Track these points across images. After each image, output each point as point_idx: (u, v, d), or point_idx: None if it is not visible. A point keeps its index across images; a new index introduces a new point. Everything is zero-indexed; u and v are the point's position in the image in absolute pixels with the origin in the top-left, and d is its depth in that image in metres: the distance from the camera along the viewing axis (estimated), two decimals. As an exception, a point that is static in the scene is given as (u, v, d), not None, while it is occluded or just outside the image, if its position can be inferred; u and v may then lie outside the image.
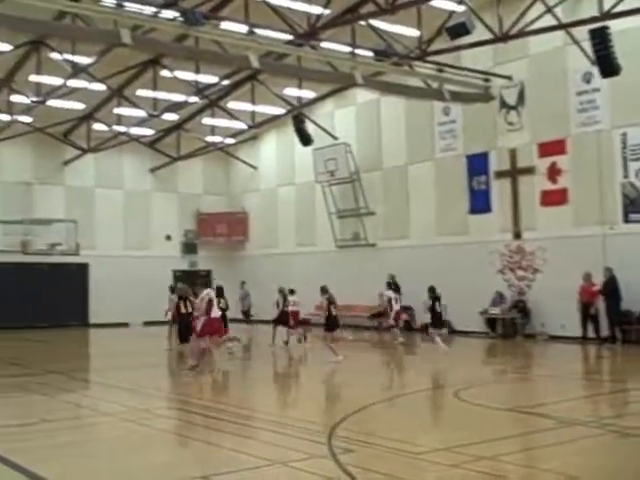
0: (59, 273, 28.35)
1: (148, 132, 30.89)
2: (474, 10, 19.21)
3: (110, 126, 29.19)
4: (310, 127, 27.83)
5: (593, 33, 17.81)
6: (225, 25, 19.13)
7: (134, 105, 26.94)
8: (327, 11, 19.06)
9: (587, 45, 18.91)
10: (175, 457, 8.52)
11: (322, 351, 18.22)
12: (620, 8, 17.28)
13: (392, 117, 27.34)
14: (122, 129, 29.28)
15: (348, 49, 20.46)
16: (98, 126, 29.95)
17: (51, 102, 25.27)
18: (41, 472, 7.54)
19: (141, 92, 26.77)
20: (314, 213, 30.73)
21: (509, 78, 23.21)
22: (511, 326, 23.37)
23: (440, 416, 11.30)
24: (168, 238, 33.98)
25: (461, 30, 18.45)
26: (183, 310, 16.33)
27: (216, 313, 15.76)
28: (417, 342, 23.17)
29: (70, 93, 25.11)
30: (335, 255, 29.40)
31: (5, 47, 22.48)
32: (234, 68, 23.16)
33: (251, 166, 34.19)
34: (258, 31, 18.65)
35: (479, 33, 19.18)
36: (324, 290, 18.74)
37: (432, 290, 19.60)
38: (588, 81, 21.28)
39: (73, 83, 23.93)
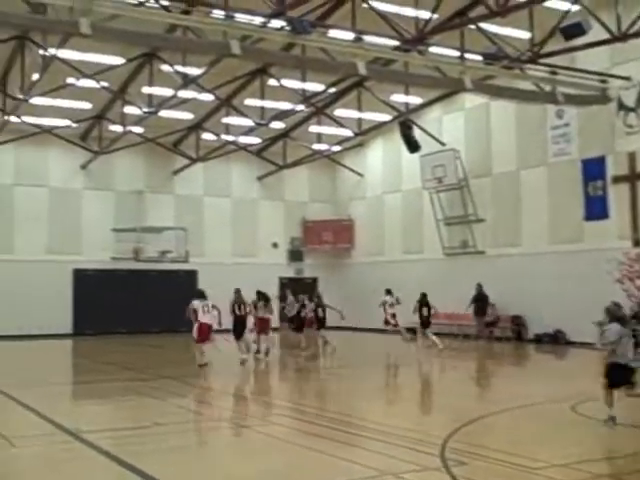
0: (168, 280, 28.98)
1: (255, 141, 31.21)
2: (590, 9, 18.41)
3: (218, 135, 29.65)
4: (417, 133, 27.44)
5: None
6: (332, 33, 19.03)
7: (242, 114, 27.25)
8: (435, 15, 18.67)
9: None
10: (287, 464, 8.43)
11: (422, 360, 17.81)
12: None
13: (502, 121, 26.64)
14: (230, 138, 29.69)
15: (457, 53, 19.98)
16: (207, 135, 30.48)
17: (162, 113, 25.84)
18: (156, 475, 7.63)
19: (249, 101, 27.06)
20: (421, 220, 30.28)
21: (628, 79, 22.15)
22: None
23: (556, 430, 10.73)
24: (275, 246, 34.23)
25: (576, 30, 17.76)
26: (237, 312, 19.62)
27: (204, 319, 17.42)
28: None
29: (180, 104, 25.60)
30: (443, 263, 28.87)
31: (119, 60, 23.16)
32: (341, 75, 23.04)
33: (357, 173, 34.04)
34: (365, 38, 18.43)
35: (594, 33, 18.37)
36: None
37: (424, 296, 21.92)
38: None
39: (183, 94, 24.38)
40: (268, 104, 26.51)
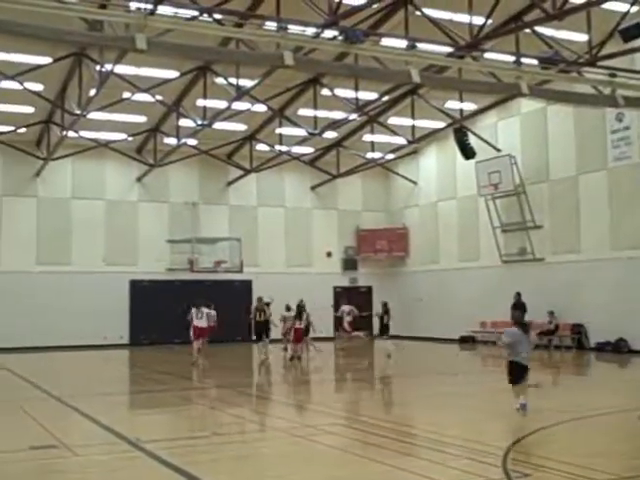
0: (223, 290, 29.10)
1: (308, 150, 31.26)
2: (650, 10, 17.97)
3: (272, 146, 29.77)
4: (472, 139, 27.15)
5: None
6: (385, 41, 18.94)
7: (295, 124, 27.31)
8: (489, 21, 18.43)
9: None
10: (346, 474, 8.31)
11: (478, 368, 17.50)
12: None
13: (560, 126, 26.18)
14: (283, 148, 29.78)
15: (512, 58, 19.66)
16: (260, 146, 30.64)
17: (216, 125, 26.04)
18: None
19: (302, 111, 27.13)
20: (477, 227, 29.92)
21: (690, 80, 21.53)
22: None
23: (622, 441, 10.40)
24: (329, 255, 34.17)
25: (636, 32, 17.31)
26: (258, 318, 23.08)
27: (199, 323, 22.50)
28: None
29: (234, 115, 25.78)
30: (500, 270, 28.44)
31: (173, 74, 23.43)
32: (394, 83, 22.91)
33: (411, 181, 33.81)
34: (418, 45, 18.27)
35: (656, 33, 17.90)
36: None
37: (385, 305, 22.64)
38: None
39: (237, 105, 24.53)
40: (321, 114, 26.53)
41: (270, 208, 33.21)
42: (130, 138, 28.80)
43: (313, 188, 34.12)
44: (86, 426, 11.56)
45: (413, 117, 27.59)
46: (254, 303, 24.21)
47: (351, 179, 33.77)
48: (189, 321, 22.96)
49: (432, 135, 30.44)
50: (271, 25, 16.45)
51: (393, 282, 34.66)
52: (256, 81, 22.40)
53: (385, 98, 26.65)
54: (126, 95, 24.23)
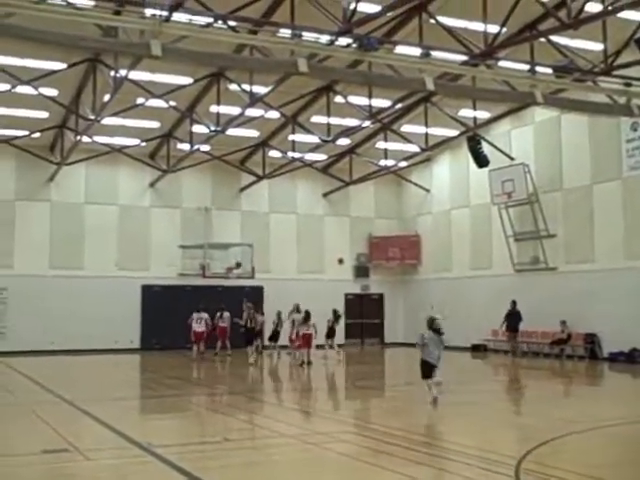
0: (235, 296, 29.08)
1: (321, 157, 31.28)
2: (666, 19, 17.91)
3: (285, 152, 29.80)
4: (485, 148, 27.09)
5: None
6: (399, 49, 18.94)
7: (308, 131, 27.33)
8: (504, 29, 18.41)
9: None
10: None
11: (491, 377, 17.42)
12: None
13: (574, 135, 26.08)
14: (296, 155, 29.80)
15: (526, 67, 19.65)
16: (273, 153, 30.68)
17: (229, 131, 26.08)
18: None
19: (315, 118, 27.16)
20: (490, 236, 29.82)
21: None
22: None
23: (636, 452, 10.31)
24: (340, 262, 34.15)
25: (652, 41, 17.25)
26: (249, 325, 25.02)
27: (195, 328, 25.92)
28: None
29: (247, 122, 25.85)
30: (513, 279, 28.31)
31: (187, 80, 23.52)
32: (408, 91, 22.90)
33: (424, 189, 33.77)
34: (432, 53, 18.27)
35: (672, 43, 17.84)
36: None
37: (335, 312, 25.47)
38: None
39: (250, 112, 24.57)
40: (334, 121, 26.54)
41: (282, 214, 33.23)
42: (143, 144, 28.90)
43: (325, 195, 34.12)
44: (98, 430, 11.57)
45: (426, 125, 27.57)
46: (245, 310, 25.42)
47: (364, 186, 33.76)
48: (189, 325, 26.17)
49: (445, 143, 30.40)
50: (285, 32, 16.50)
51: (405, 290, 34.65)
52: (269, 88, 22.44)
53: (398, 105, 26.65)
54: (140, 101, 24.33)
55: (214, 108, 24.86)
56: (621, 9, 16.40)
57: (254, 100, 22.86)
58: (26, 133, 27.31)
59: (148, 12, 14.61)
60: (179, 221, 31.47)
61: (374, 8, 17.45)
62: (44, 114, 26.23)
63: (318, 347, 25.37)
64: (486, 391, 18.28)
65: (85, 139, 25.99)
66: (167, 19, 14.60)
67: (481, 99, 23.93)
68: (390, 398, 16.39)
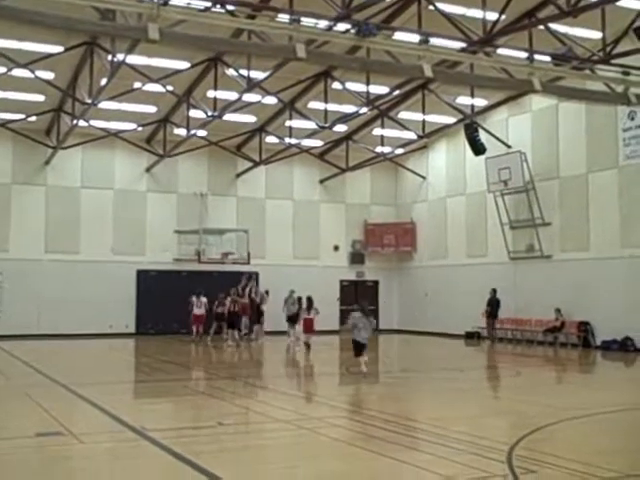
0: (230, 281, 29.09)
1: (318, 143, 31.22)
2: (665, 8, 17.86)
3: (281, 138, 29.75)
4: (482, 135, 27.07)
5: None
6: (398, 35, 18.87)
7: (305, 117, 27.27)
8: (503, 16, 18.35)
9: None
10: (349, 467, 8.33)
11: (485, 364, 17.48)
12: None
13: (571, 123, 26.09)
14: (293, 141, 29.74)
15: (525, 54, 19.61)
16: (270, 138, 30.62)
17: (226, 116, 26.01)
18: (220, 474, 7.67)
19: (312, 104, 27.09)
20: (485, 224, 29.86)
21: (703, 79, 21.40)
22: None
23: (629, 439, 10.37)
24: (336, 248, 34.15)
25: (651, 30, 17.22)
26: (232, 309, 26.26)
27: (195, 311, 27.08)
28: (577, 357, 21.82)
29: (244, 107, 25.76)
30: (508, 267, 28.40)
31: (184, 65, 23.42)
32: (406, 78, 22.85)
33: (420, 176, 33.76)
34: (431, 40, 18.21)
35: (670, 32, 17.82)
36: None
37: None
38: None
39: (247, 97, 24.50)
40: (331, 107, 26.46)
41: (278, 200, 33.20)
42: (140, 128, 28.83)
43: (322, 181, 34.08)
44: (91, 414, 11.61)
45: (424, 112, 27.51)
46: (231, 294, 26.73)
47: (360, 173, 33.72)
48: (190, 309, 27.23)
49: (442, 130, 30.37)
50: (284, 17, 16.41)
51: (400, 277, 34.71)
52: (267, 73, 22.36)
53: (396, 92, 26.57)
54: (137, 85, 24.25)
55: (211, 93, 24.79)
56: (620, -3, 16.38)
57: (251, 85, 22.78)
58: (22, 116, 27.20)
59: (146, -5, 14.51)
60: (175, 206, 31.43)
61: (373, -6, 17.36)
62: (40, 97, 26.11)
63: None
64: (480, 378, 18.39)
65: (81, 123, 25.89)
66: (165, 3, 14.53)
67: (479, 86, 23.85)
68: (384, 384, 16.47)
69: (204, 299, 27.29)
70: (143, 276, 30.40)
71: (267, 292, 28.74)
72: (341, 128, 30.03)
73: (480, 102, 28.02)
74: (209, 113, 25.20)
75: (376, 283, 34.87)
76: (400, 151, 32.45)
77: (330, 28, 17.25)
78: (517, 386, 16.26)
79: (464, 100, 26.97)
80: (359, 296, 33.96)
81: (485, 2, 18.12)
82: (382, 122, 29.55)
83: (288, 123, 28.63)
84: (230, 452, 9.03)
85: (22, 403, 12.54)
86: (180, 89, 25.47)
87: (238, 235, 30.63)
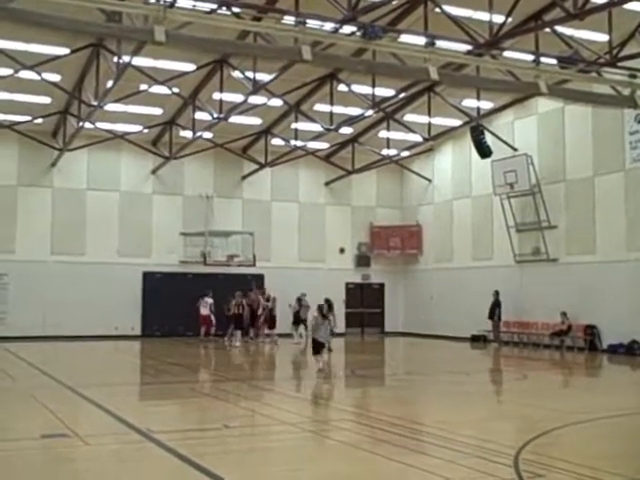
0: (235, 284, 29.12)
1: (324, 146, 31.22)
2: (672, 10, 17.81)
3: (287, 140, 29.74)
4: (488, 138, 27.03)
5: None
6: (404, 37, 18.85)
7: (311, 119, 27.28)
8: (509, 19, 18.32)
9: None
10: (355, 470, 8.29)
11: (491, 367, 17.43)
12: None
13: (577, 126, 26.02)
14: (299, 143, 29.73)
15: (531, 57, 19.58)
16: (276, 141, 30.63)
17: (232, 118, 26.03)
18: (226, 477, 7.65)
19: (318, 106, 27.11)
20: (491, 227, 29.80)
21: None
22: None
23: (635, 444, 10.32)
24: (341, 251, 34.12)
25: (658, 33, 17.16)
26: (236, 311, 27.30)
27: (202, 312, 27.93)
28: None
29: (250, 109, 25.77)
30: (514, 270, 28.33)
31: (190, 67, 23.45)
32: (412, 80, 22.83)
33: (426, 179, 33.72)
34: (437, 42, 18.19)
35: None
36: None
37: (299, 300, 27.16)
38: None
39: (253, 99, 24.51)
40: (337, 109, 26.48)
41: (284, 203, 33.18)
42: (146, 130, 28.86)
43: (327, 184, 34.06)
44: (97, 415, 11.60)
45: (429, 114, 27.49)
46: (236, 297, 27.69)
47: (366, 175, 33.70)
48: (198, 309, 28.00)
49: (448, 133, 30.34)
50: (289, 19, 16.41)
51: (405, 279, 34.67)
52: (273, 75, 22.38)
53: (402, 95, 26.57)
54: (143, 87, 24.28)
55: (217, 95, 24.80)
56: (627, 0, 16.31)
57: (257, 87, 22.81)
58: (28, 118, 27.25)
59: (152, -2, 14.55)
60: (181, 208, 31.43)
61: (379, -4, 17.36)
62: (47, 99, 26.17)
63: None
64: (486, 382, 18.34)
65: (87, 125, 25.91)
66: (171, 5, 14.55)
67: (485, 89, 23.79)
68: (389, 387, 16.44)
69: (210, 300, 27.83)
70: (149, 278, 30.40)
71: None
72: (347, 130, 30.01)
73: (486, 105, 27.97)
74: (215, 115, 25.22)
75: (382, 286, 34.82)
76: (406, 154, 32.42)
77: (336, 30, 17.26)
78: (523, 390, 16.20)
79: (470, 103, 26.93)
80: (364, 299, 34.07)
81: (491, 5, 18.10)
82: (388, 125, 29.53)
83: (294, 125, 28.62)
84: (235, 454, 9.02)
85: (27, 405, 12.54)
86: (186, 91, 25.49)
87: (244, 237, 30.63)
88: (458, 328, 30.16)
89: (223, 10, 16.48)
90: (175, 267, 30.64)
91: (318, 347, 17.52)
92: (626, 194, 24.27)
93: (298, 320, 27.77)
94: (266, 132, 30.37)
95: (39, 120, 27.56)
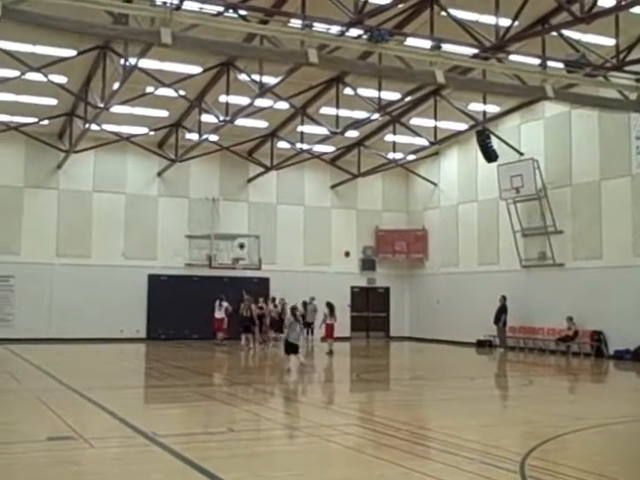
0: (241, 286, 29.11)
1: (329, 149, 31.20)
2: (680, 15, 17.77)
3: (293, 144, 29.72)
4: (495, 142, 26.99)
5: None
6: (410, 41, 18.85)
7: (317, 123, 27.26)
8: (516, 23, 18.30)
9: None
10: (359, 475, 8.27)
11: (495, 372, 17.36)
12: None
13: (584, 131, 25.94)
14: (304, 146, 29.71)
15: (538, 61, 19.54)
16: (281, 144, 30.61)
17: (238, 121, 26.02)
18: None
19: (324, 110, 27.09)
20: (497, 231, 29.72)
21: None
22: None
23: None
24: (347, 254, 34.09)
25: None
26: (244, 314, 27.22)
27: (216, 315, 27.75)
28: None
29: (256, 112, 25.77)
30: (520, 275, 28.25)
31: (196, 70, 23.46)
32: (418, 84, 22.80)
33: (431, 182, 33.67)
34: (443, 46, 18.17)
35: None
36: None
37: (305, 303, 27.37)
38: None
39: (259, 102, 24.50)
40: (343, 113, 26.44)
41: (289, 206, 33.17)
42: (152, 133, 28.90)
43: (333, 187, 34.05)
44: (103, 418, 11.58)
45: (435, 118, 27.45)
46: (245, 301, 27.55)
47: (371, 179, 33.67)
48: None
49: (454, 137, 30.27)
50: (296, 22, 16.44)
51: (411, 284, 34.62)
52: (279, 78, 22.38)
53: (408, 98, 26.53)
54: (149, 89, 24.30)
55: (223, 98, 24.81)
56: (634, 4, 16.30)
57: (263, 90, 22.81)
58: (35, 120, 27.30)
59: (159, 0, 14.55)
60: (186, 211, 31.46)
61: (385, 0, 17.36)
62: (53, 101, 26.21)
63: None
64: (492, 387, 18.29)
65: (94, 127, 25.95)
66: (178, 7, 14.58)
67: (491, 93, 23.74)
68: (395, 392, 16.39)
69: (225, 303, 27.83)
70: (154, 281, 30.41)
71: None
72: (353, 134, 29.99)
73: (492, 109, 27.93)
74: (221, 118, 25.22)
75: (387, 290, 34.77)
76: (412, 157, 32.37)
77: (342, 33, 17.26)
78: (529, 395, 16.14)
79: (476, 107, 26.89)
80: (370, 303, 34.04)
81: (498, 8, 18.08)
82: (394, 128, 29.49)
83: (300, 128, 28.61)
84: (240, 458, 8.99)
85: (33, 407, 12.53)
86: (192, 94, 25.50)
87: (249, 240, 30.66)
88: (464, 333, 30.09)
89: (230, 13, 16.52)
90: (181, 270, 30.65)
91: (290, 348, 18.40)
92: (633, 199, 24.17)
93: (304, 324, 27.68)
94: (272, 135, 30.37)
95: (45, 122, 27.60)
